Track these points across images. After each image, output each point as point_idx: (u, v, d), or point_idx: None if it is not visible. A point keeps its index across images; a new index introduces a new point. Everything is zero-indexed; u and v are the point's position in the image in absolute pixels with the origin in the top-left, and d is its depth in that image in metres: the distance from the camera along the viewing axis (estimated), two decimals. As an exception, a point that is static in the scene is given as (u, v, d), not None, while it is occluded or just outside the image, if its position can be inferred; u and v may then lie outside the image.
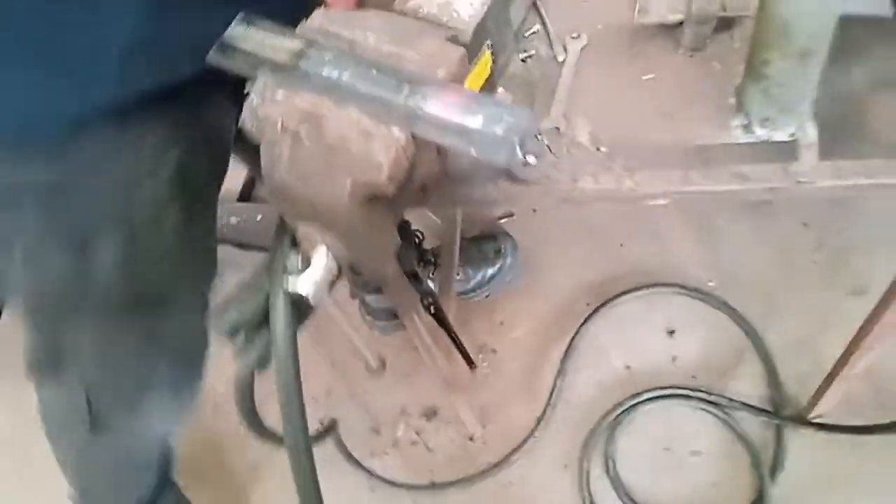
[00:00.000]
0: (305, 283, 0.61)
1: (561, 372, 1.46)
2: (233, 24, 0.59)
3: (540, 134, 0.73)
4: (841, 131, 0.69)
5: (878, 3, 0.78)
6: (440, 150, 0.63)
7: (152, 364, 0.98)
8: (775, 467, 1.31)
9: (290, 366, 0.65)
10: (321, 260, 0.62)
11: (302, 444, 0.71)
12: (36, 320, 0.91)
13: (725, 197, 0.69)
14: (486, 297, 1.55)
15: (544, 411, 1.43)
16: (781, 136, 0.69)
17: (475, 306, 1.55)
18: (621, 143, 0.71)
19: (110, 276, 0.82)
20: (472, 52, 0.64)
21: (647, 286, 1.50)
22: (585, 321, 1.49)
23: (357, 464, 1.44)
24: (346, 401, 1.51)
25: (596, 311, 1.50)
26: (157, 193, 0.81)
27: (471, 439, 1.45)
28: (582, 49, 0.77)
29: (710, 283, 1.48)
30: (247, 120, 0.57)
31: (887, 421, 1.14)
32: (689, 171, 0.70)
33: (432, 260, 1.36)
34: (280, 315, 0.63)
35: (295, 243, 0.63)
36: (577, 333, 1.48)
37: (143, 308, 0.88)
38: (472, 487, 1.40)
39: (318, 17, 0.60)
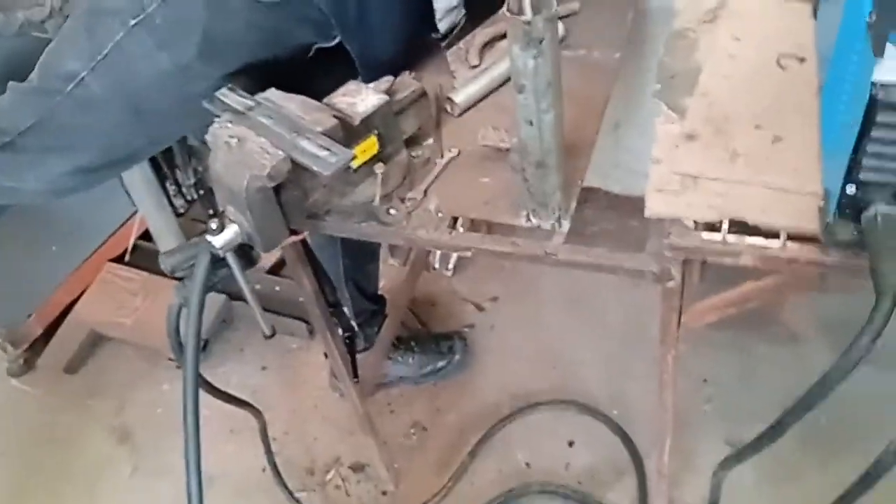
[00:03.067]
0: (218, 241, 1.00)
1: (471, 456, 1.72)
2: (222, 88, 1.04)
3: (403, 200, 1.12)
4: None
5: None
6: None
7: None
8: (623, 569, 1.50)
9: (198, 296, 1.02)
10: (232, 229, 1.01)
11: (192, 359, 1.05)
12: None
13: (503, 255, 1.04)
14: (433, 384, 1.87)
15: (449, 484, 1.69)
16: (545, 224, 1.04)
17: (420, 390, 1.87)
18: (453, 213, 1.08)
19: None
20: (360, 133, 1.05)
21: (561, 403, 1.77)
22: (503, 420, 1.77)
23: (289, 493, 1.72)
24: (296, 441, 1.82)
25: (515, 413, 1.77)
26: None
27: (384, 493, 1.72)
28: (452, 158, 1.18)
29: (615, 412, 1.74)
30: (208, 136, 1.00)
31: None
32: (486, 235, 1.06)
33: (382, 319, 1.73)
34: (201, 260, 1.02)
35: (222, 223, 1.03)
36: (493, 428, 1.76)
37: None
38: (371, 532, 1.66)
39: (270, 92, 1.05)
